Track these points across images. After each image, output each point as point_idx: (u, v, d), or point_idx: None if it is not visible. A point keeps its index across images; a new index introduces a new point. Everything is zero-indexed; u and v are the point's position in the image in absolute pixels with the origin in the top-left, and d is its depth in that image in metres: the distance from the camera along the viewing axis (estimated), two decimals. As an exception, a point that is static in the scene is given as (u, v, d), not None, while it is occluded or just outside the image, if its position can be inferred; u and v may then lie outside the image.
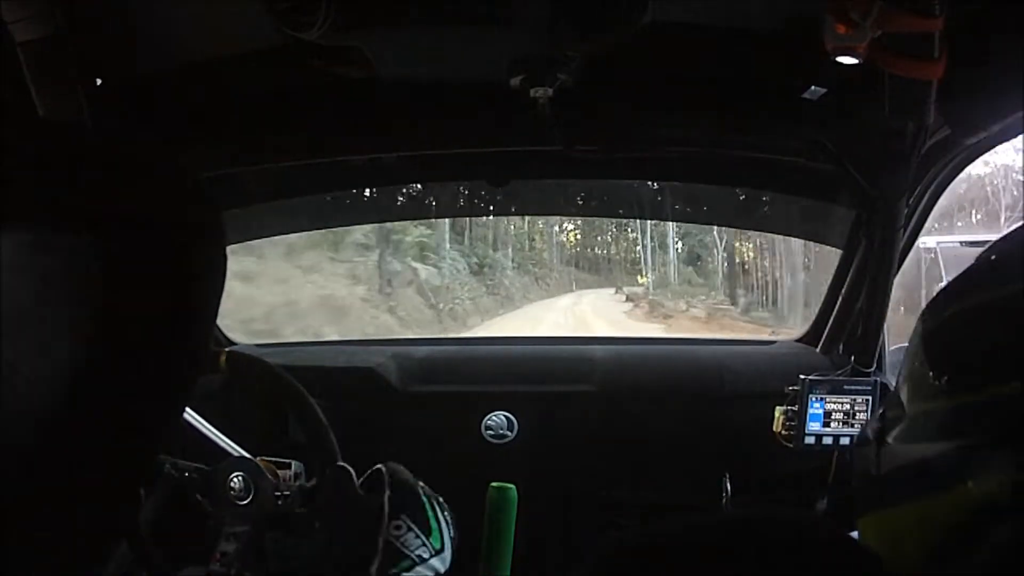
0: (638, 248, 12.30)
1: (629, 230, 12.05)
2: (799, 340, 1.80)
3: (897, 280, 1.47)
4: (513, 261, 11.85)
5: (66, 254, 0.39)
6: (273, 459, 1.29)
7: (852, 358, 1.51)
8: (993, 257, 0.48)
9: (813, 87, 1.23)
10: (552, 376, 1.68)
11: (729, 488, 1.53)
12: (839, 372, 1.50)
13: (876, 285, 1.44)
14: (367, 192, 1.88)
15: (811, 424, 1.44)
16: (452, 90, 1.29)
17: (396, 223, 8.10)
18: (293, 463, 1.29)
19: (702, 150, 1.51)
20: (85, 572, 0.44)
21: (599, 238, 12.75)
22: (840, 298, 1.64)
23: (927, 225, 1.52)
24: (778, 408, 1.47)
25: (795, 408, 1.45)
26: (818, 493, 1.53)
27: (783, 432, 1.46)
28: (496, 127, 1.39)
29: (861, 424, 1.43)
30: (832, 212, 1.66)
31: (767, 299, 10.41)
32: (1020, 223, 0.49)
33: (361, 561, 1.14)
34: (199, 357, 0.50)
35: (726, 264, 11.46)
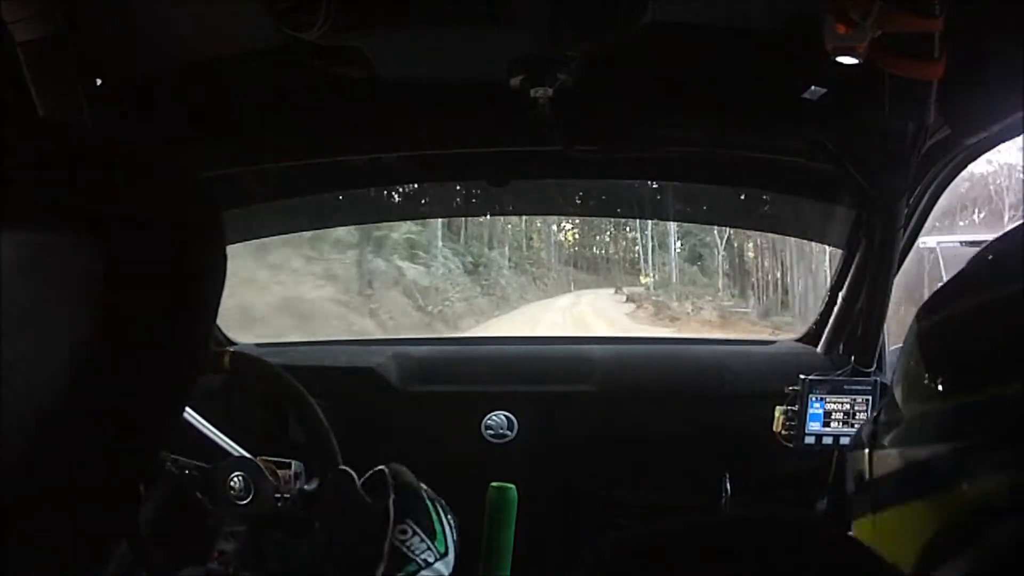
0: (637, 248, 12.07)
1: (628, 229, 11.86)
2: (799, 340, 1.80)
3: (898, 280, 1.47)
4: (510, 260, 11.54)
5: (66, 254, 0.39)
6: (273, 459, 1.29)
7: (852, 358, 1.51)
8: (991, 257, 0.47)
9: (813, 87, 1.23)
10: (552, 376, 1.68)
11: (729, 488, 1.53)
12: (839, 372, 1.50)
13: (876, 285, 1.45)
14: (367, 192, 1.89)
15: (811, 424, 1.44)
16: (452, 90, 1.29)
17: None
18: (293, 463, 1.30)
19: (702, 150, 1.51)
20: (85, 572, 0.44)
21: (597, 237, 12.48)
22: (840, 298, 1.64)
23: (928, 225, 1.52)
24: (778, 408, 1.47)
25: (795, 408, 1.45)
26: (818, 493, 1.53)
27: (783, 432, 1.46)
28: (496, 127, 1.39)
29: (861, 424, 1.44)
30: (832, 212, 1.66)
31: (778, 298, 9.99)
32: (1020, 223, 0.49)
33: (365, 565, 1.14)
34: (199, 357, 0.50)
35: (735, 261, 11.05)
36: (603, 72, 1.21)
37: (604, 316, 10.41)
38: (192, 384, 0.48)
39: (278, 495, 1.25)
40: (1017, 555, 0.39)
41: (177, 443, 1.29)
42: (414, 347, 1.83)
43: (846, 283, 1.61)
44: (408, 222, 8.24)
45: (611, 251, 12.71)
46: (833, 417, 1.44)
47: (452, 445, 1.60)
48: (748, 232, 8.66)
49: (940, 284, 0.49)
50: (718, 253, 11.28)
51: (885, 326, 1.51)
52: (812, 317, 1.77)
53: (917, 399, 0.46)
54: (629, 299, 11.19)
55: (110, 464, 0.42)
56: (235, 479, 1.24)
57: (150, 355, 0.42)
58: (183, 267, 0.43)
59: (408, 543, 1.17)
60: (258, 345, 1.84)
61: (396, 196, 1.96)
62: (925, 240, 1.61)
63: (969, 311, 0.45)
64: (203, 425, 1.33)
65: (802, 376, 1.45)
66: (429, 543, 1.18)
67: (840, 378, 1.47)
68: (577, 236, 12.53)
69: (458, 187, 1.94)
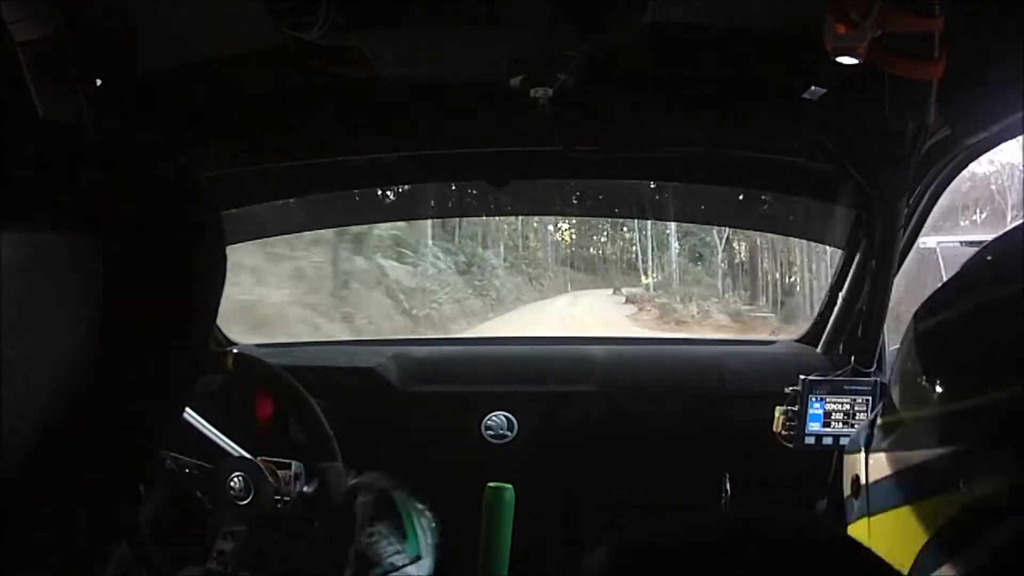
0: (635, 248, 11.65)
1: (625, 229, 11.45)
2: (799, 340, 1.80)
3: (898, 280, 1.47)
4: (505, 260, 10.99)
5: (66, 254, 0.39)
6: (273, 459, 1.29)
7: (852, 358, 1.51)
8: (989, 257, 0.47)
9: (813, 87, 1.23)
10: (552, 376, 1.68)
11: (729, 488, 1.53)
12: (839, 372, 1.50)
13: (876, 285, 1.45)
14: (367, 192, 1.88)
15: (811, 424, 1.44)
16: (452, 90, 1.29)
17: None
18: (293, 463, 1.30)
19: (702, 150, 1.51)
20: (85, 572, 0.44)
21: (594, 237, 12.09)
22: (840, 298, 1.64)
23: (928, 224, 1.52)
24: (778, 408, 1.47)
25: (795, 408, 1.45)
26: (818, 493, 1.53)
27: (783, 432, 1.46)
28: (496, 127, 1.39)
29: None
30: (832, 212, 1.66)
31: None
32: (1018, 223, 0.48)
33: (335, 569, 1.15)
34: (199, 357, 0.50)
35: (744, 259, 10.33)
36: (603, 72, 1.21)
37: (604, 319, 9.99)
38: (192, 384, 0.48)
39: (278, 496, 1.25)
40: (1014, 557, 0.39)
41: (177, 443, 1.29)
42: (414, 347, 1.83)
43: (846, 283, 1.61)
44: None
45: (609, 251, 12.30)
46: (833, 417, 1.44)
47: (452, 445, 1.60)
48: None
49: (937, 285, 0.48)
50: (719, 252, 10.72)
51: (885, 326, 1.51)
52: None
53: (914, 401, 0.46)
54: (629, 300, 10.78)
55: (110, 464, 0.42)
56: (235, 479, 1.25)
57: (150, 355, 0.42)
58: (183, 267, 0.43)
59: (375, 547, 1.17)
60: (258, 345, 1.84)
61: (396, 196, 1.96)
62: (925, 240, 1.61)
63: (967, 313, 0.45)
64: (203, 425, 1.33)
65: (802, 376, 1.45)
66: (399, 547, 1.18)
67: (840, 378, 1.47)
68: (574, 236, 12.21)
69: (454, 187, 1.94)
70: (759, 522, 0.47)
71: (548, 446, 1.61)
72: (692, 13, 1.13)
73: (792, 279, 9.52)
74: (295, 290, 6.67)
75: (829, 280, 1.73)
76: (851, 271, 1.59)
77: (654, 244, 11.37)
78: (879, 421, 0.51)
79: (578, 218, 11.01)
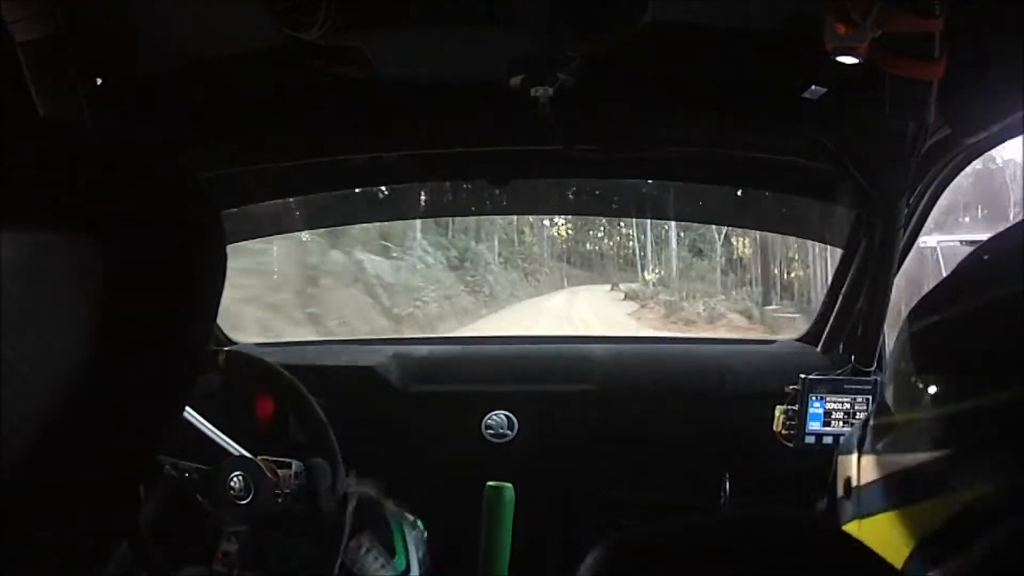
0: (631, 244, 11.36)
1: (622, 225, 11.03)
2: (799, 340, 1.80)
3: (898, 280, 1.47)
4: (500, 255, 10.47)
5: (66, 254, 0.39)
6: (273, 459, 1.29)
7: (852, 358, 1.51)
8: (986, 257, 0.47)
9: (813, 87, 1.23)
10: (552, 376, 1.68)
11: (729, 488, 1.53)
12: (839, 372, 1.50)
13: (876, 285, 1.44)
14: (367, 191, 1.89)
15: (811, 424, 1.44)
16: (452, 90, 1.29)
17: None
18: (293, 463, 1.30)
19: (702, 150, 1.51)
20: (85, 572, 0.44)
21: (591, 233, 11.80)
22: (840, 298, 1.64)
23: (930, 222, 1.52)
24: (778, 408, 1.47)
25: (795, 408, 1.45)
26: (818, 493, 1.53)
27: (783, 432, 1.46)
28: (496, 127, 1.39)
29: None
30: (832, 212, 1.66)
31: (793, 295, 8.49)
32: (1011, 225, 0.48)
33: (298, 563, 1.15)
34: (199, 357, 0.50)
35: (752, 252, 9.51)
36: (603, 72, 1.21)
37: (604, 317, 9.53)
38: (192, 384, 0.48)
39: (278, 490, 1.25)
40: (1004, 561, 0.39)
41: (177, 443, 1.29)
42: (414, 347, 1.83)
43: (846, 283, 1.61)
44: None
45: (606, 246, 11.97)
46: (833, 416, 1.44)
47: (452, 445, 1.60)
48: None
49: (931, 286, 0.48)
50: (720, 246, 10.08)
51: (885, 326, 1.51)
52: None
53: (907, 402, 0.46)
54: (629, 297, 10.45)
55: (110, 464, 0.42)
56: (235, 479, 1.25)
57: (150, 355, 0.42)
58: (183, 267, 0.43)
59: (361, 561, 1.16)
60: (258, 345, 1.84)
61: (396, 195, 1.96)
62: (925, 240, 1.61)
63: (963, 314, 0.44)
64: (203, 425, 1.33)
65: (802, 376, 1.45)
66: (385, 560, 1.17)
67: (840, 377, 1.47)
68: (571, 232, 11.90)
69: (449, 186, 1.94)
70: (759, 522, 0.47)
71: (548, 446, 1.61)
72: (692, 13, 1.13)
73: (809, 271, 8.35)
74: (253, 288, 5.56)
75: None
76: (851, 271, 1.59)
77: (654, 239, 11.00)
78: (872, 422, 0.51)
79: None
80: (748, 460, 1.57)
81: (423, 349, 1.79)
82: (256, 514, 1.25)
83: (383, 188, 1.89)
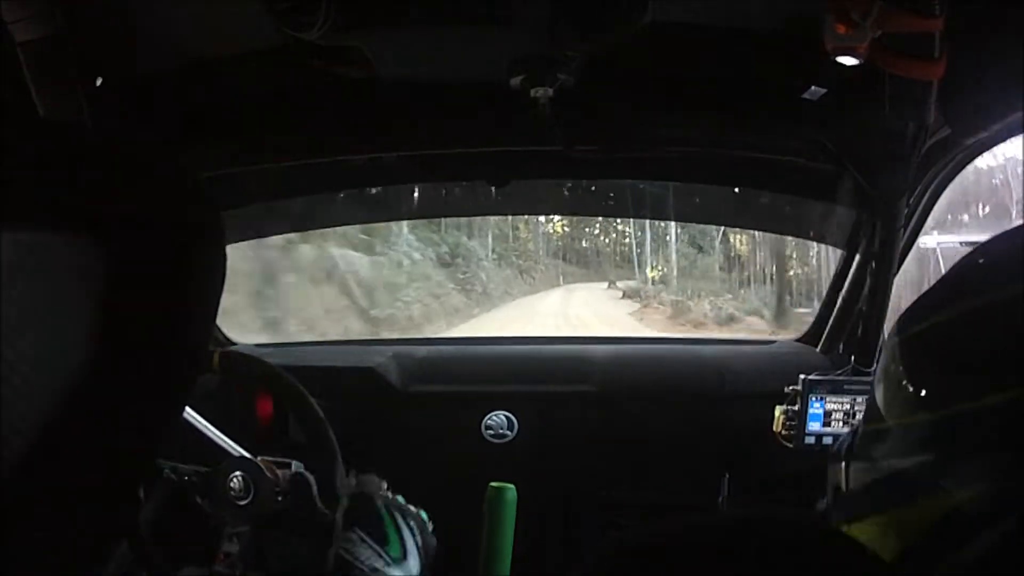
0: (627, 242, 11.06)
1: (619, 220, 10.66)
2: (799, 340, 1.80)
3: (899, 280, 1.47)
4: (494, 252, 9.99)
5: (66, 254, 0.38)
6: (273, 459, 1.29)
7: (852, 358, 1.51)
8: (982, 260, 0.47)
9: (813, 87, 1.23)
10: (552, 376, 1.68)
11: (728, 488, 1.53)
12: (839, 372, 1.50)
13: (876, 285, 1.45)
14: (367, 192, 1.88)
15: (811, 424, 1.44)
16: (452, 90, 1.29)
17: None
18: (293, 463, 1.30)
19: (702, 150, 1.51)
20: (85, 572, 0.44)
21: (587, 230, 11.52)
22: (840, 298, 1.64)
23: (930, 221, 1.52)
24: (778, 408, 1.47)
25: (795, 408, 1.45)
26: (818, 493, 1.53)
27: (783, 432, 1.46)
28: (496, 127, 1.39)
29: None
30: (832, 212, 1.66)
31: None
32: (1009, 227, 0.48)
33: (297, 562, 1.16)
34: (199, 357, 0.50)
35: (760, 250, 8.74)
36: (603, 72, 1.21)
37: (602, 316, 9.09)
38: (192, 384, 0.48)
39: (278, 487, 1.25)
40: (1005, 560, 0.39)
41: (177, 444, 1.29)
42: (414, 347, 1.83)
43: (846, 283, 1.61)
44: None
45: (602, 242, 11.64)
46: (833, 417, 1.44)
47: (452, 445, 1.60)
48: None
49: (924, 289, 0.48)
50: (724, 241, 9.46)
51: (885, 326, 1.51)
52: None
53: (899, 406, 0.45)
54: (627, 295, 10.09)
55: (110, 464, 0.42)
56: (235, 479, 1.24)
57: (150, 355, 0.42)
58: (183, 267, 0.43)
59: (354, 551, 1.17)
60: (258, 345, 1.84)
61: (395, 196, 1.96)
62: (925, 240, 1.61)
63: (955, 318, 0.44)
64: (203, 425, 1.33)
65: (802, 376, 1.45)
66: (379, 549, 1.18)
67: (840, 378, 1.47)
68: (567, 228, 11.59)
69: (448, 185, 1.94)
70: (759, 522, 0.47)
71: (548, 446, 1.61)
72: (692, 13, 1.13)
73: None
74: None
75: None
76: (851, 271, 1.59)
77: (651, 235, 10.61)
78: (861, 428, 0.50)
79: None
80: (748, 460, 1.57)
81: (423, 349, 1.79)
82: (256, 514, 1.25)
83: (382, 188, 1.89)
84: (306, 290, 6.21)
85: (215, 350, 1.36)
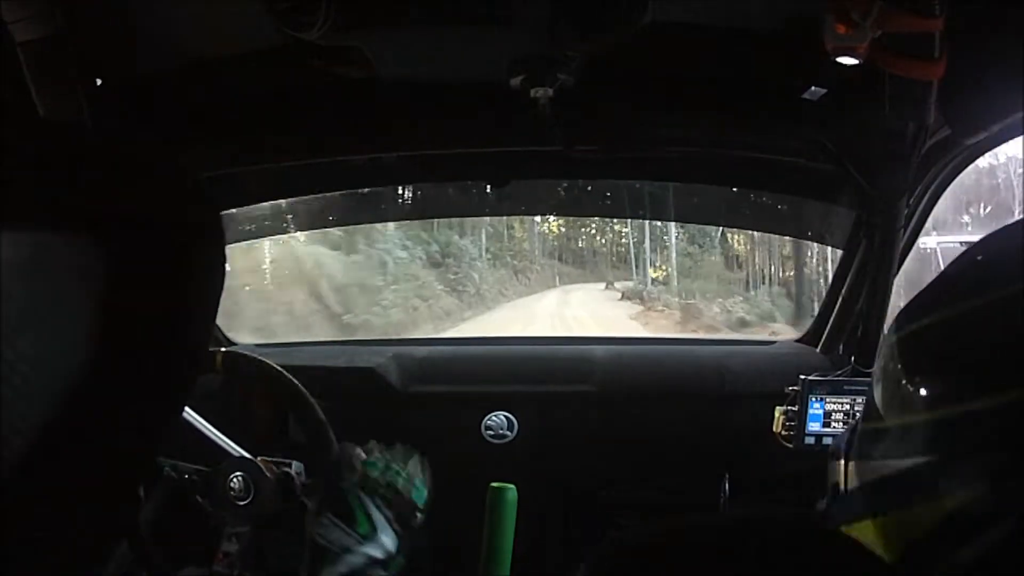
0: (624, 242, 10.50)
1: (615, 220, 10.18)
2: (799, 340, 1.80)
3: (899, 280, 1.47)
4: (488, 251, 9.56)
5: (66, 254, 0.38)
6: (273, 459, 1.30)
7: (852, 358, 1.51)
8: (980, 257, 0.46)
9: (813, 87, 1.23)
10: (552, 376, 1.68)
11: (728, 488, 1.53)
12: (839, 372, 1.50)
13: (876, 285, 1.45)
14: (367, 192, 1.89)
15: (811, 424, 1.44)
16: (452, 90, 1.29)
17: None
18: (293, 463, 1.30)
19: (702, 150, 1.51)
20: (85, 572, 0.44)
21: (583, 229, 11.41)
22: (840, 298, 1.64)
23: (931, 220, 1.52)
24: (778, 408, 1.47)
25: (795, 408, 1.45)
26: (818, 493, 1.53)
27: (783, 432, 1.46)
28: (496, 127, 1.39)
29: None
30: (832, 212, 1.66)
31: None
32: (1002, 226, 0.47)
33: (296, 561, 1.18)
34: (199, 357, 0.50)
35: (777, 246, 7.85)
36: (603, 72, 1.21)
37: (599, 318, 8.66)
38: (192, 384, 0.48)
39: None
40: (1007, 559, 0.39)
41: (177, 444, 1.29)
42: (414, 347, 1.83)
43: (846, 283, 1.61)
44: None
45: (599, 242, 11.06)
46: (833, 417, 1.44)
47: (452, 445, 1.60)
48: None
49: (921, 289, 0.47)
50: (727, 240, 8.76)
51: (885, 327, 1.51)
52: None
53: (895, 406, 0.45)
54: (626, 296, 9.60)
55: (110, 464, 0.42)
56: (235, 479, 1.25)
57: (150, 355, 0.42)
58: (183, 267, 0.43)
59: (326, 535, 1.19)
60: (257, 345, 1.84)
61: (392, 195, 1.96)
62: (925, 240, 1.61)
63: (953, 316, 0.44)
64: (203, 425, 1.33)
65: (802, 376, 1.45)
66: (347, 529, 1.20)
67: (840, 378, 1.47)
68: (563, 228, 11.31)
69: (447, 185, 1.94)
70: (759, 522, 0.47)
71: (548, 446, 1.61)
72: (692, 13, 1.13)
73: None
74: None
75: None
76: (851, 271, 1.59)
77: (650, 233, 9.91)
78: (859, 427, 0.50)
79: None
80: (748, 460, 1.57)
81: (423, 350, 1.79)
82: (256, 514, 1.25)
83: (381, 189, 1.89)
84: (270, 293, 5.69)
85: (217, 350, 1.36)
